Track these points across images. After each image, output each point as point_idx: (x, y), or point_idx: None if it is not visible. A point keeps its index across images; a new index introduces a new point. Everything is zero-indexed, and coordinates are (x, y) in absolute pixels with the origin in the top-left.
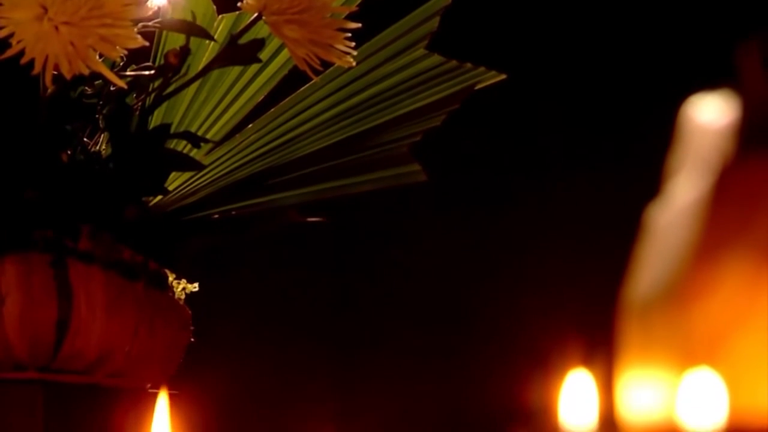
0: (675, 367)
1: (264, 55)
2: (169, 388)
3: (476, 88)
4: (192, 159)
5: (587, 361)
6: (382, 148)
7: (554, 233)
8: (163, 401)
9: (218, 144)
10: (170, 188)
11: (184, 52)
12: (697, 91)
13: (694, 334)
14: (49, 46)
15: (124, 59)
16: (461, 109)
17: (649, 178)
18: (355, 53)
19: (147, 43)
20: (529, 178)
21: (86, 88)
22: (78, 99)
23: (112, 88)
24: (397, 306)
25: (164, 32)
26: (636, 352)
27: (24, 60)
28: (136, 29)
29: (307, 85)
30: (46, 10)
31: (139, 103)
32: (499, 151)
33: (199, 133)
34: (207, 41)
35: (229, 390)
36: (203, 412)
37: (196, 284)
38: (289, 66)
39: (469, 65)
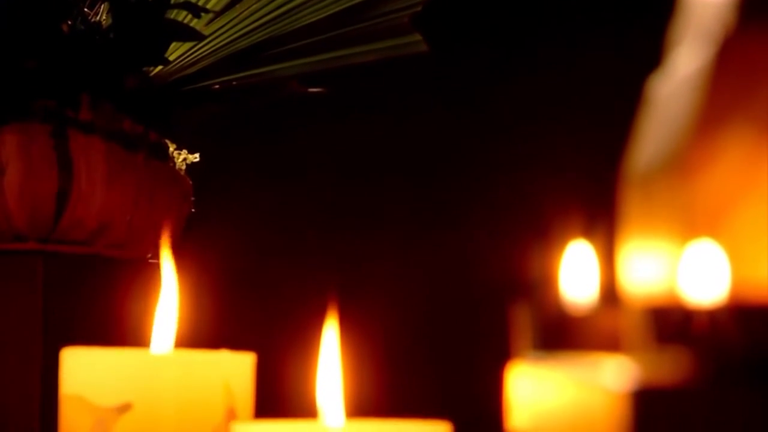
0: (676, 239)
1: None
2: (170, 259)
3: None
4: (192, 29)
5: (588, 232)
6: (383, 18)
7: (555, 104)
8: (164, 271)
9: (219, 14)
10: (171, 58)
11: None
12: None
13: (696, 205)
14: None
15: None
16: None
17: (650, 49)
18: None
19: None
20: (529, 50)
21: None
22: None
23: None
24: (396, 177)
25: None
26: (637, 224)
27: None
28: None
29: None
30: None
31: None
32: (497, 22)
33: (200, 3)
34: None
35: (231, 260)
36: (204, 282)
37: (197, 155)
38: None
39: None
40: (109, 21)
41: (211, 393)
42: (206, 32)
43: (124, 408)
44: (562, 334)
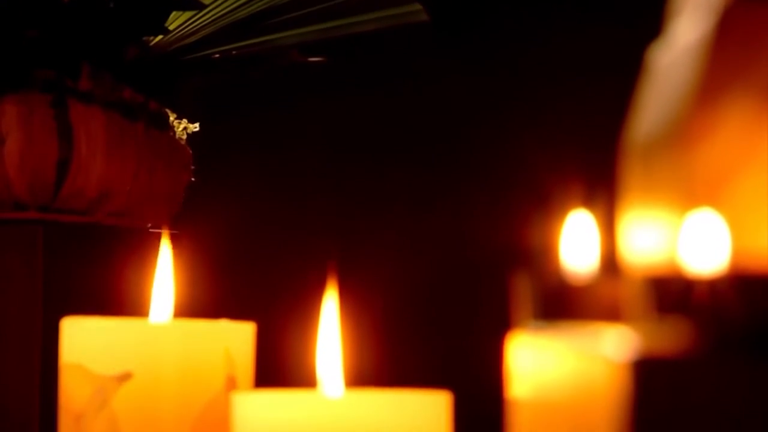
0: (677, 209)
1: None
2: (170, 228)
3: None
4: None
5: (588, 202)
6: None
7: (555, 74)
8: (163, 241)
9: None
10: (171, 28)
11: None
12: None
13: (696, 175)
14: None
15: None
16: None
17: (650, 19)
18: None
19: None
20: (528, 21)
21: None
22: None
23: None
24: (396, 147)
25: None
26: (637, 193)
27: None
28: None
29: None
30: None
31: None
32: None
33: None
34: None
35: (230, 229)
36: (204, 251)
37: (197, 124)
38: None
39: None
40: None
41: (212, 362)
42: (206, 1)
43: (125, 377)
44: (563, 304)
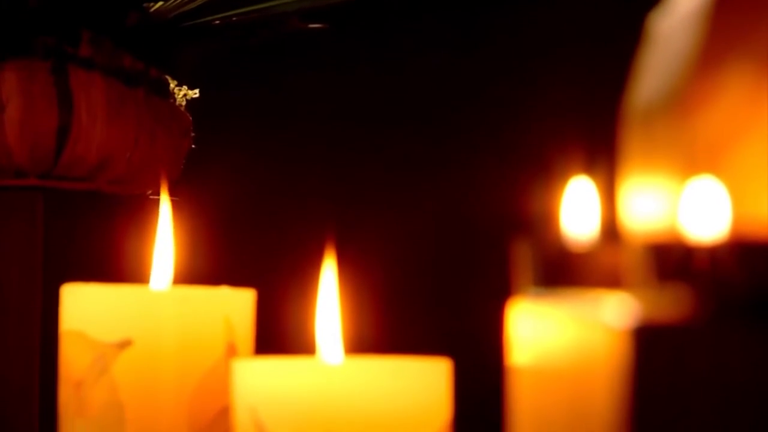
0: (677, 176)
1: None
2: (170, 195)
3: None
4: None
5: (589, 168)
6: None
7: (556, 40)
8: (163, 207)
9: None
10: None
11: None
12: None
13: (697, 142)
14: None
15: None
16: None
17: None
18: None
19: None
20: None
21: None
22: None
23: None
24: (396, 114)
25: None
26: (638, 160)
27: None
28: None
29: None
30: None
31: None
32: None
33: None
34: None
35: (230, 196)
36: (203, 218)
37: (197, 91)
38: None
39: None
40: None
41: (212, 329)
42: None
43: (125, 344)
44: (563, 271)
